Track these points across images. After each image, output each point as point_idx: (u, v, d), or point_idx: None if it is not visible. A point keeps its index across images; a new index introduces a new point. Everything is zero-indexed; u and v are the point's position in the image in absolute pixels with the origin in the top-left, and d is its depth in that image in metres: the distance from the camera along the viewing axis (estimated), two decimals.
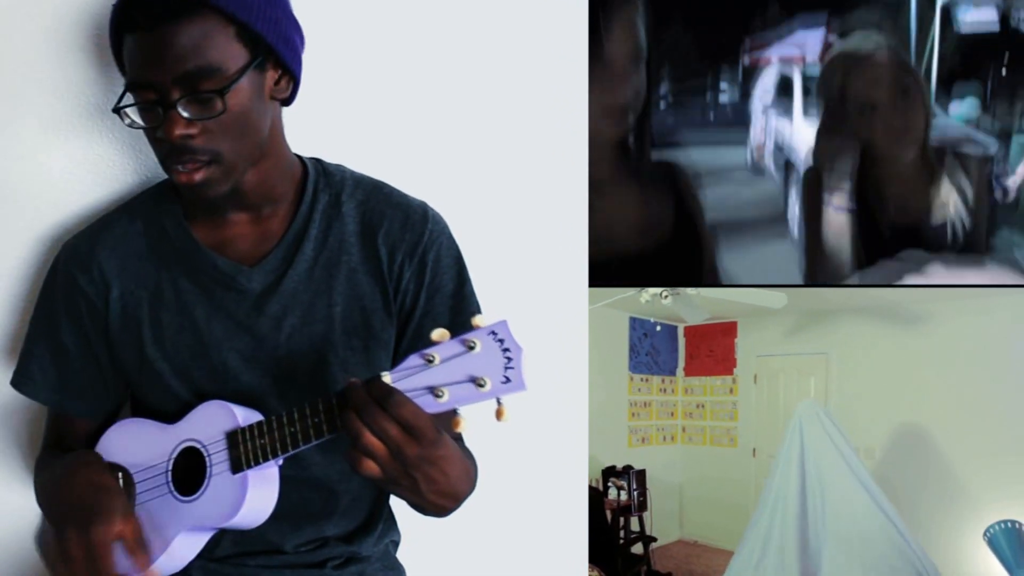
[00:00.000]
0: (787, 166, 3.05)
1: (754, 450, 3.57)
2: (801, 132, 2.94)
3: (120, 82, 1.28)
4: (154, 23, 1.16)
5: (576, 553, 1.70)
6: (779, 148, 3.12)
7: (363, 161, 1.42)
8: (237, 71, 1.20)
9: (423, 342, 1.32)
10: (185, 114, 1.18)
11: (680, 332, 3.86)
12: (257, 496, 1.20)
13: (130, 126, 1.23)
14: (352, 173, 1.39)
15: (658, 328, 3.70)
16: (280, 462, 1.21)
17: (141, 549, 1.18)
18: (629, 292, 2.42)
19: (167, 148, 1.21)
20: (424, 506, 1.15)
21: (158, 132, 1.20)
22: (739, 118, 3.28)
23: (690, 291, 2.49)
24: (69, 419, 1.41)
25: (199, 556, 1.29)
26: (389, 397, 1.06)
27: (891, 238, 2.06)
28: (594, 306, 1.71)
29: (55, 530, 1.18)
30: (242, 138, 1.23)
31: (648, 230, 1.62)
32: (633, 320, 3.61)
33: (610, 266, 1.61)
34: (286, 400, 1.31)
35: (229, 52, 1.19)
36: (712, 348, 3.76)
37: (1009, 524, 2.48)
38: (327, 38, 1.45)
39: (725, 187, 3.14)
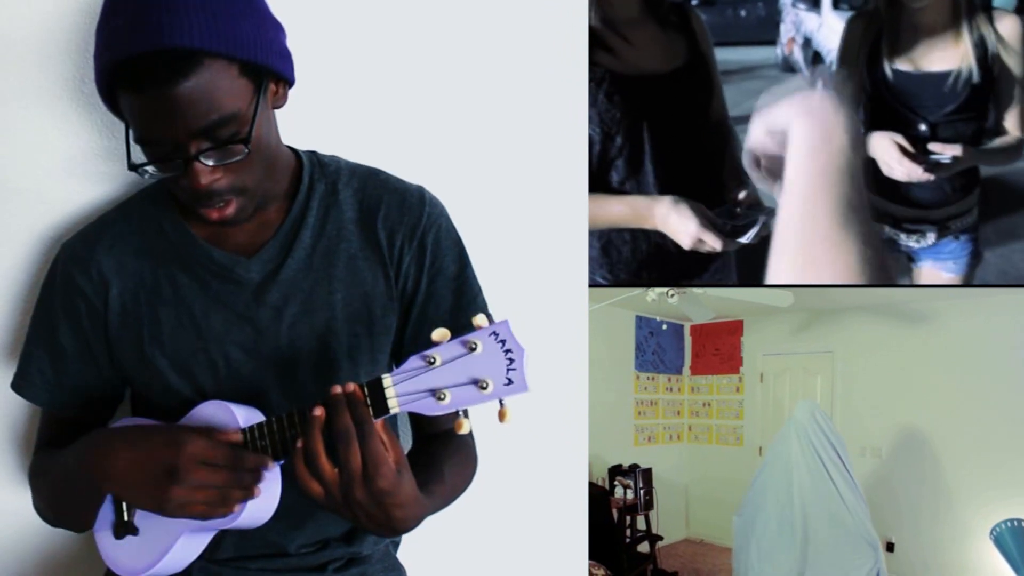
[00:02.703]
0: (815, 59, 3.04)
1: (760, 448, 3.56)
2: (829, 24, 2.91)
3: None
4: (161, 84, 1.11)
5: (576, 552, 1.70)
6: (807, 41, 3.12)
7: (359, 158, 1.42)
8: (250, 109, 1.18)
9: (427, 326, 1.32)
10: (209, 163, 1.17)
11: (686, 331, 3.86)
12: (259, 497, 1.20)
13: (150, 179, 1.21)
14: (347, 162, 1.39)
15: (664, 327, 3.70)
16: (282, 462, 1.20)
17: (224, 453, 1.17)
18: (635, 291, 2.42)
19: (192, 194, 1.20)
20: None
21: (182, 181, 1.18)
22: (770, 14, 3.27)
23: (696, 290, 2.48)
24: (67, 420, 1.41)
25: (200, 557, 1.28)
26: (364, 424, 1.08)
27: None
28: (600, 305, 1.71)
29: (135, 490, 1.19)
30: (261, 165, 1.23)
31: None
32: (639, 319, 3.61)
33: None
34: (289, 392, 1.31)
35: (238, 93, 1.16)
36: (718, 347, 3.76)
37: (1015, 523, 2.47)
38: (320, 30, 1.46)
39: (755, 83, 3.16)
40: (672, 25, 1.83)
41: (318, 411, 1.10)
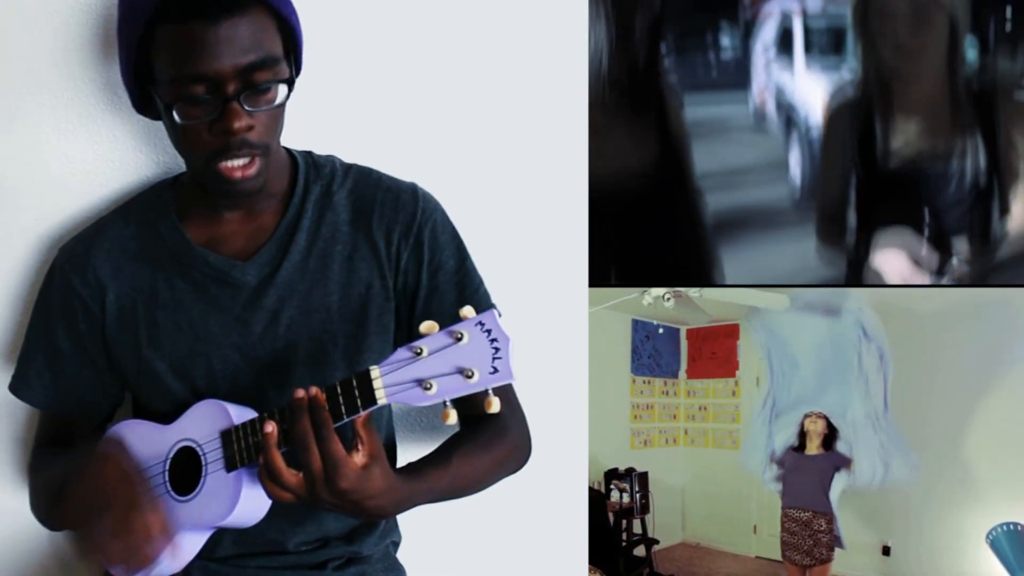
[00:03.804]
0: (789, 121, 3.05)
1: None
2: (803, 85, 2.94)
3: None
4: (217, 14, 1.14)
5: (576, 555, 1.70)
6: (780, 103, 3.13)
7: (359, 158, 1.42)
8: (285, 62, 1.22)
9: (434, 320, 1.32)
10: (247, 107, 1.18)
11: (682, 334, 3.85)
12: (252, 494, 1.20)
13: (180, 123, 1.20)
14: (342, 162, 1.40)
15: (660, 330, 3.69)
16: (284, 449, 1.20)
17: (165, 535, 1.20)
18: (632, 294, 2.42)
19: (220, 143, 1.20)
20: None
21: (215, 126, 1.19)
22: (741, 72, 3.29)
23: (693, 293, 2.48)
24: (65, 422, 1.41)
25: (199, 556, 1.29)
26: (322, 428, 1.08)
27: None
28: (596, 308, 1.71)
29: (84, 523, 1.21)
30: (278, 131, 1.26)
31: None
32: (635, 322, 3.60)
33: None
34: (286, 393, 1.30)
35: (278, 43, 1.21)
36: (715, 350, 3.75)
37: (1012, 526, 2.47)
38: (321, 30, 1.46)
39: (727, 142, 3.16)
40: (646, 113, 1.68)
41: (269, 428, 1.11)
